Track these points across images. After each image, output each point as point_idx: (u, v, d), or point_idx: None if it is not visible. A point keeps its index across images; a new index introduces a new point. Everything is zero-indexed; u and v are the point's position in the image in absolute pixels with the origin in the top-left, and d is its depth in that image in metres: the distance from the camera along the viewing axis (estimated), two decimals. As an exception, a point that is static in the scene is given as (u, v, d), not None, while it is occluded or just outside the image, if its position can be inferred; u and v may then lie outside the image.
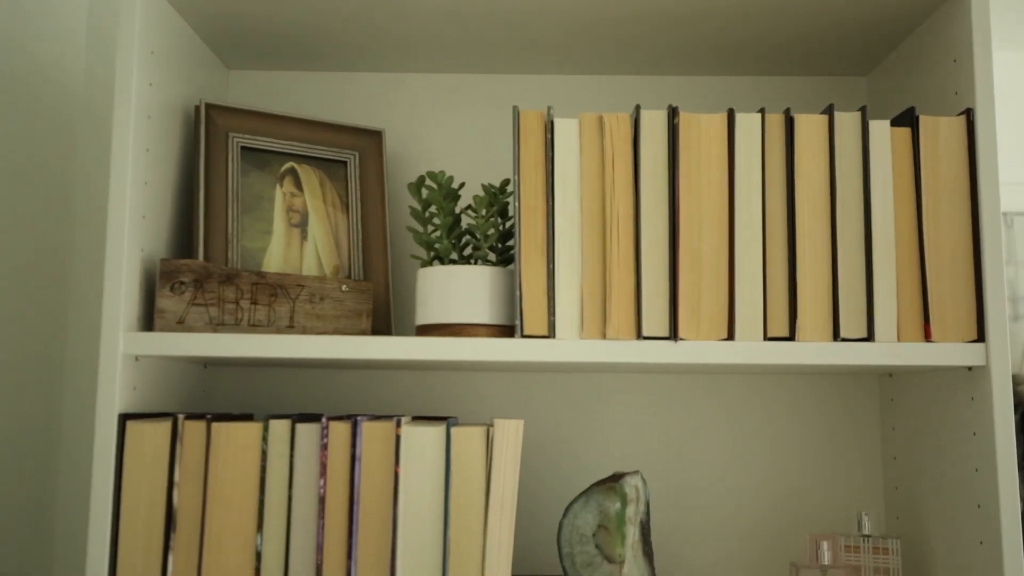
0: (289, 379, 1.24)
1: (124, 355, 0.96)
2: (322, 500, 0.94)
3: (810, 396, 1.23)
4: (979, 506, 0.96)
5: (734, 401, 1.23)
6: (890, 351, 0.95)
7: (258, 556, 0.93)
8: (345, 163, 1.19)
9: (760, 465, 1.21)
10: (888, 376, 1.20)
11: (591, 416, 1.23)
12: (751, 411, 1.23)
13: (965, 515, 0.99)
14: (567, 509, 1.01)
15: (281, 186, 1.16)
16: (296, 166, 1.17)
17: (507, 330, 1.02)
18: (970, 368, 0.98)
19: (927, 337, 0.97)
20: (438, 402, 1.24)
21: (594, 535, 0.99)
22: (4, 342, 1.15)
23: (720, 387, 1.23)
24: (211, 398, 1.23)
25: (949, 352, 0.95)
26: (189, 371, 1.16)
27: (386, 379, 1.24)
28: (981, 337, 0.96)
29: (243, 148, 1.13)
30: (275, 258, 1.13)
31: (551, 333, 0.97)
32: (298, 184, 1.17)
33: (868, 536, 1.07)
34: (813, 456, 1.22)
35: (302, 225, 1.15)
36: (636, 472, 1.02)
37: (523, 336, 0.97)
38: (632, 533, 0.99)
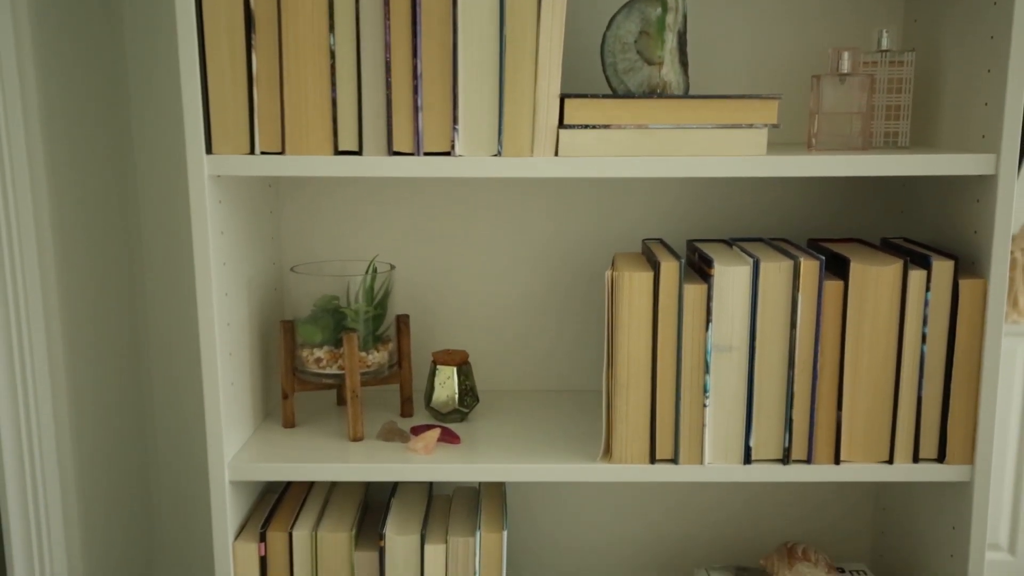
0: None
1: None
2: (387, 3, 1.02)
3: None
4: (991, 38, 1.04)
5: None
6: None
7: (332, 54, 1.03)
8: None
9: None
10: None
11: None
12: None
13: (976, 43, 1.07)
14: (610, 21, 1.09)
15: None
16: None
17: None
18: None
19: None
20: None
21: (635, 42, 1.08)
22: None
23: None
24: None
25: None
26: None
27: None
28: None
29: None
30: None
31: None
32: None
33: (886, 51, 1.16)
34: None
35: None
36: (675, -16, 1.08)
37: None
38: (671, 39, 1.08)
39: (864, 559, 1.43)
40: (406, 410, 1.28)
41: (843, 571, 1.29)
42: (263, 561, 1.13)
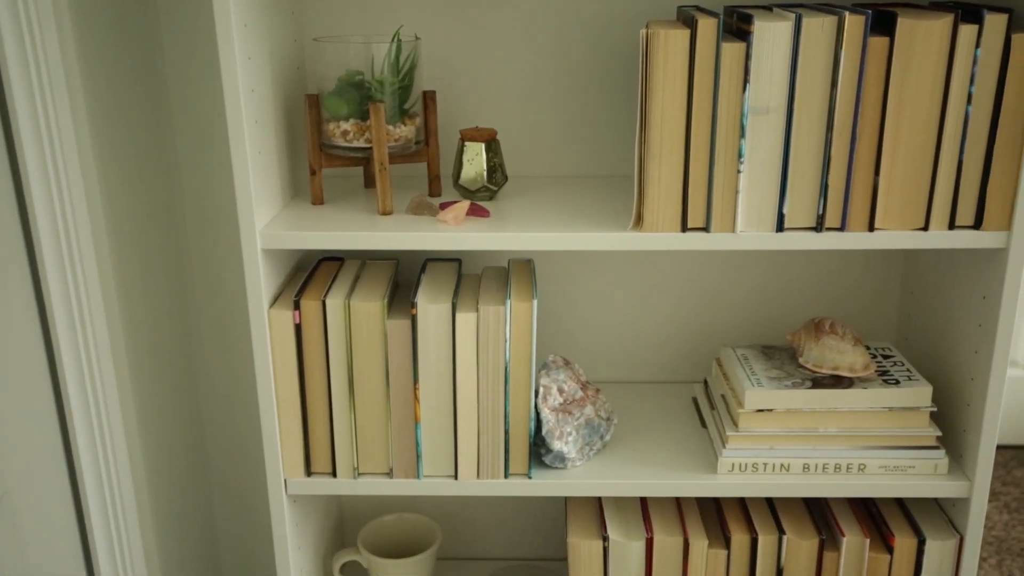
0: None
1: None
2: None
3: None
4: None
5: None
6: None
7: None
8: None
9: None
10: None
11: None
12: None
13: None
14: None
15: None
16: None
17: None
18: None
19: None
20: None
21: None
22: None
23: None
24: None
25: None
26: None
27: None
28: None
29: None
30: None
31: None
32: None
33: None
34: None
35: None
36: None
37: None
38: None
39: (889, 339, 1.45)
40: (434, 189, 1.27)
41: (868, 348, 1.31)
42: (298, 329, 1.15)
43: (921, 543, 1.21)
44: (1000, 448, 2.85)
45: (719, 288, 1.43)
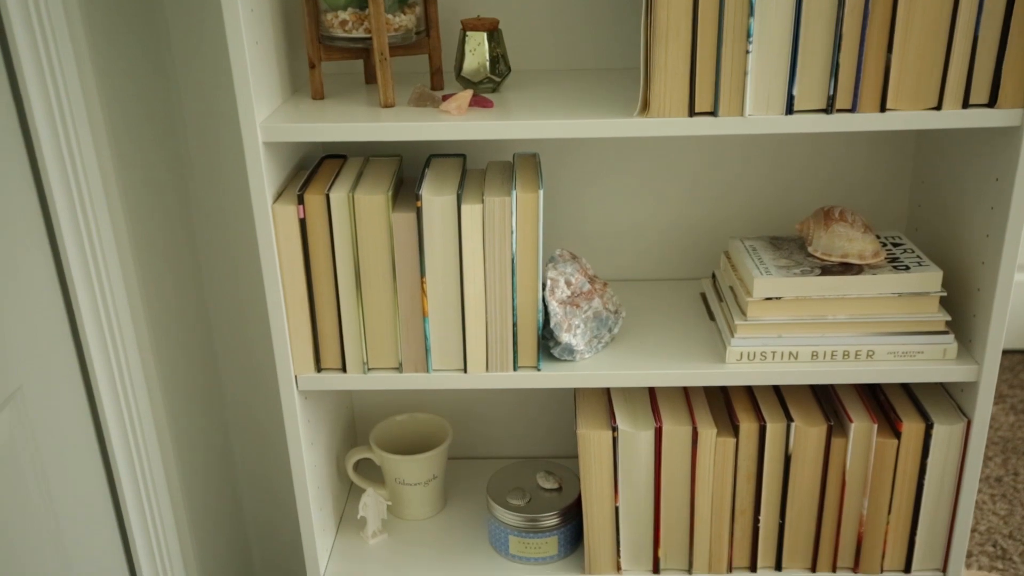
0: None
1: None
2: None
3: None
4: None
5: None
6: None
7: None
8: None
9: None
10: None
11: None
12: None
13: None
14: None
15: None
16: None
17: None
18: None
19: None
20: None
21: None
22: None
23: None
24: None
25: None
26: None
27: None
28: None
29: None
30: None
31: None
32: None
33: None
34: None
35: None
36: None
37: None
38: None
39: (900, 229, 1.44)
40: (436, 82, 1.25)
41: (878, 237, 1.29)
42: (303, 224, 1.15)
43: (929, 428, 1.22)
44: (1007, 352, 2.86)
45: (727, 181, 1.41)
